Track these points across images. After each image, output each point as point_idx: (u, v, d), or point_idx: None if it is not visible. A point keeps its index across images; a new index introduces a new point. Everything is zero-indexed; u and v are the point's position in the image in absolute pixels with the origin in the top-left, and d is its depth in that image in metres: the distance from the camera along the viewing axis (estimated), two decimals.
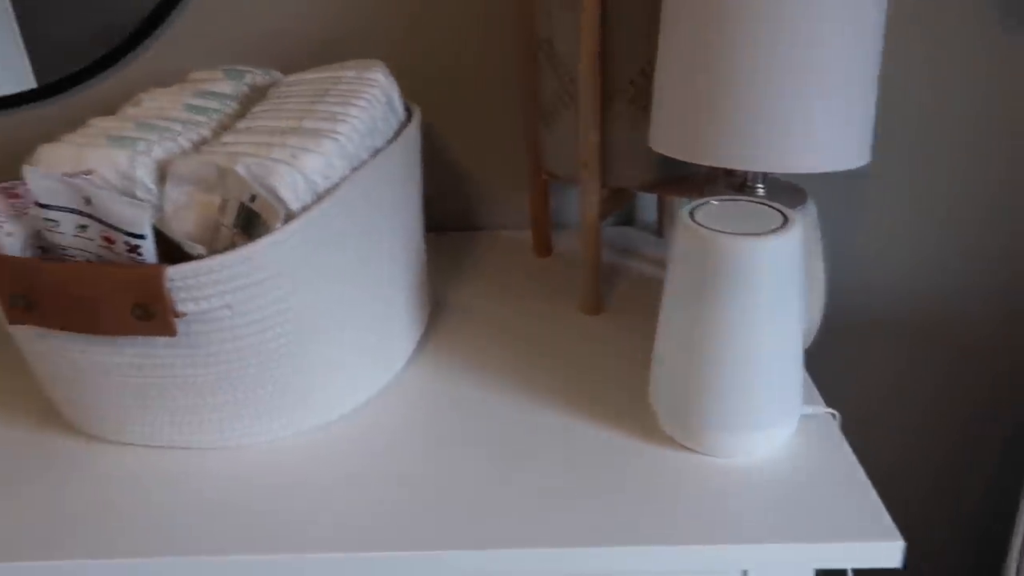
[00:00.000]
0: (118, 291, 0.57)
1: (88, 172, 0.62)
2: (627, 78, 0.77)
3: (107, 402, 0.65)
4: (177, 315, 0.58)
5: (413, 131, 0.79)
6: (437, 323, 0.85)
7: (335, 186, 0.66)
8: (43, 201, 0.57)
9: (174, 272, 0.57)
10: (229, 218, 0.63)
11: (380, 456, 0.66)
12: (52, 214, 0.57)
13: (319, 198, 0.64)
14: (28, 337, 0.64)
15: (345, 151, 0.67)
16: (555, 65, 0.80)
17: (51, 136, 1.04)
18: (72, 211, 0.57)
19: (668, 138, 0.67)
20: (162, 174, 0.66)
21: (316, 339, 0.65)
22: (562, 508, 0.60)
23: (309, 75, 0.80)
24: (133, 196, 0.65)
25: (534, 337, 0.82)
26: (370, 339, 0.71)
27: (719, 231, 0.58)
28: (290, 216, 0.61)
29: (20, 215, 0.60)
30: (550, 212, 0.97)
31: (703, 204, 0.63)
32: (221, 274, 0.58)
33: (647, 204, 1.06)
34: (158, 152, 0.67)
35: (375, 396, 0.73)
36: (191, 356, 0.62)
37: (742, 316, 0.58)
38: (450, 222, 1.07)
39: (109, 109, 1.00)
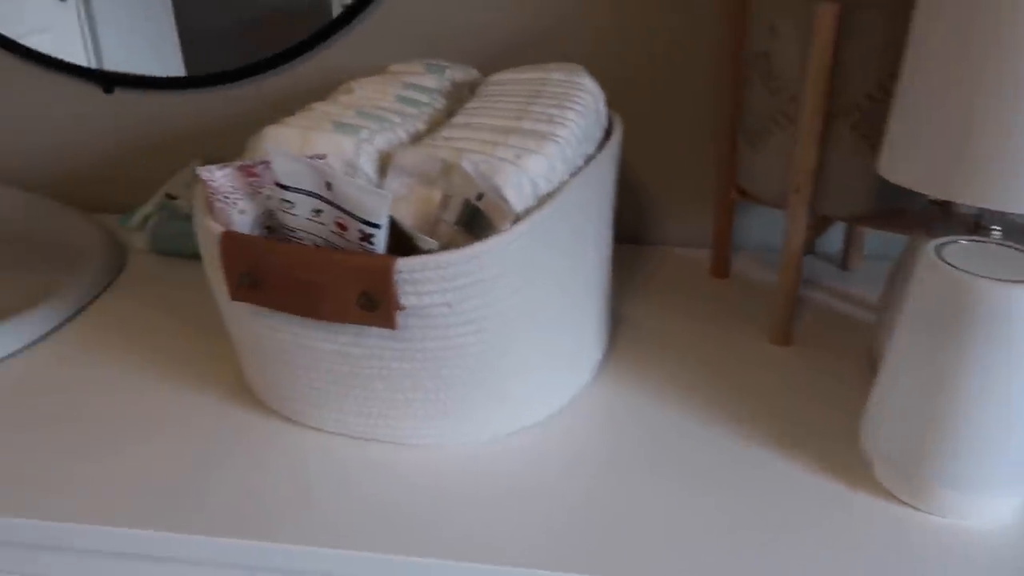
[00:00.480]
0: (346, 279, 0.57)
1: (321, 156, 0.62)
2: (853, 101, 0.73)
3: (307, 386, 0.65)
4: (399, 308, 0.58)
5: (617, 140, 0.77)
6: (617, 337, 0.83)
7: (556, 190, 0.64)
8: (285, 183, 0.57)
9: (403, 264, 0.56)
10: (451, 214, 0.62)
11: (565, 469, 0.64)
12: (291, 195, 0.57)
13: (539, 201, 0.63)
14: (241, 312, 0.64)
15: (564, 155, 0.66)
16: (770, 81, 0.76)
17: (246, 116, 1.09)
18: (311, 194, 0.57)
19: (907, 167, 0.63)
20: (382, 164, 0.66)
21: (519, 341, 0.64)
22: (755, 545, 0.57)
23: (515, 74, 0.79)
24: None
25: (719, 363, 0.79)
26: (566, 346, 0.70)
27: (978, 275, 0.54)
28: (516, 217, 0.60)
29: (255, 193, 0.61)
30: (732, 232, 0.94)
31: (949, 243, 0.59)
32: (447, 271, 0.57)
33: (831, 233, 1.02)
34: (380, 142, 0.66)
35: (565, 405, 0.71)
36: (401, 350, 0.61)
37: (999, 367, 0.54)
38: (621, 234, 1.05)
39: (302, 95, 1.02)
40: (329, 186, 0.56)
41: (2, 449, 0.67)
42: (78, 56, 1.03)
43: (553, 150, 0.65)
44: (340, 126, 0.66)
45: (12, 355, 0.79)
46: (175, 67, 1.02)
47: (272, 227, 0.63)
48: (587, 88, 0.76)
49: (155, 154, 1.09)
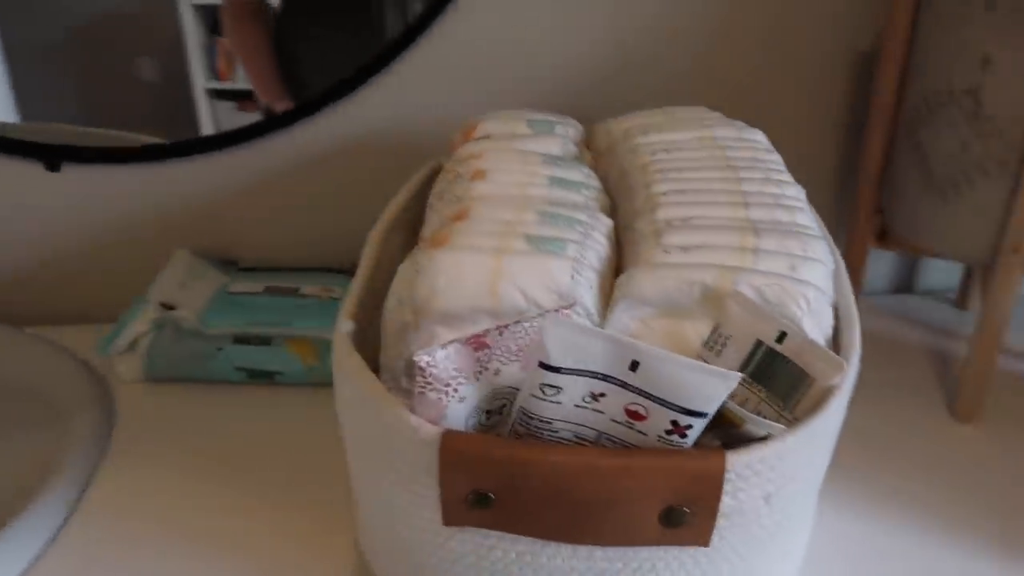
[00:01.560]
0: (650, 490, 0.39)
1: (567, 306, 0.43)
2: None
3: None
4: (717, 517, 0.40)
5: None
6: None
7: (844, 307, 0.48)
8: (559, 363, 0.38)
9: (737, 462, 0.39)
10: (732, 360, 0.45)
11: None
12: (562, 379, 0.39)
13: (835, 328, 0.47)
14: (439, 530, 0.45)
15: (826, 252, 0.50)
16: (979, 123, 0.63)
17: (229, 188, 0.85)
18: (597, 376, 0.38)
19: None
20: (602, 291, 0.48)
21: (807, 510, 0.48)
22: None
23: (665, 134, 0.62)
24: None
25: (904, 444, 0.66)
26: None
27: None
28: (842, 367, 0.43)
29: (480, 371, 0.41)
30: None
31: None
32: (779, 459, 0.41)
33: (934, 265, 0.91)
34: (592, 259, 0.48)
35: None
36: (687, 560, 0.44)
37: None
38: None
39: (303, 162, 0.80)
40: (635, 366, 0.38)
41: None
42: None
43: (820, 250, 0.49)
44: (534, 241, 0.47)
45: None
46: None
47: (492, 411, 0.44)
48: (767, 147, 0.61)
49: (120, 243, 0.84)
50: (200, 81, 0.78)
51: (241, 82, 0.78)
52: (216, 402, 0.72)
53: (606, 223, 0.52)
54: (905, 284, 0.92)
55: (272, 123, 0.79)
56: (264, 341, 0.73)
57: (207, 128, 0.79)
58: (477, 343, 0.40)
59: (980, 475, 0.64)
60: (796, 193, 0.55)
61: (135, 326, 0.73)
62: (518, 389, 0.42)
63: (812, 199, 0.56)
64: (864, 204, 0.76)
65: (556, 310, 0.41)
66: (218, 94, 0.78)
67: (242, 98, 0.79)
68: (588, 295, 0.47)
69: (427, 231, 0.52)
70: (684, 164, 0.57)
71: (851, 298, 0.49)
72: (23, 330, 0.77)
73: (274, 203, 0.83)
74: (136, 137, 0.79)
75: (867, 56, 0.81)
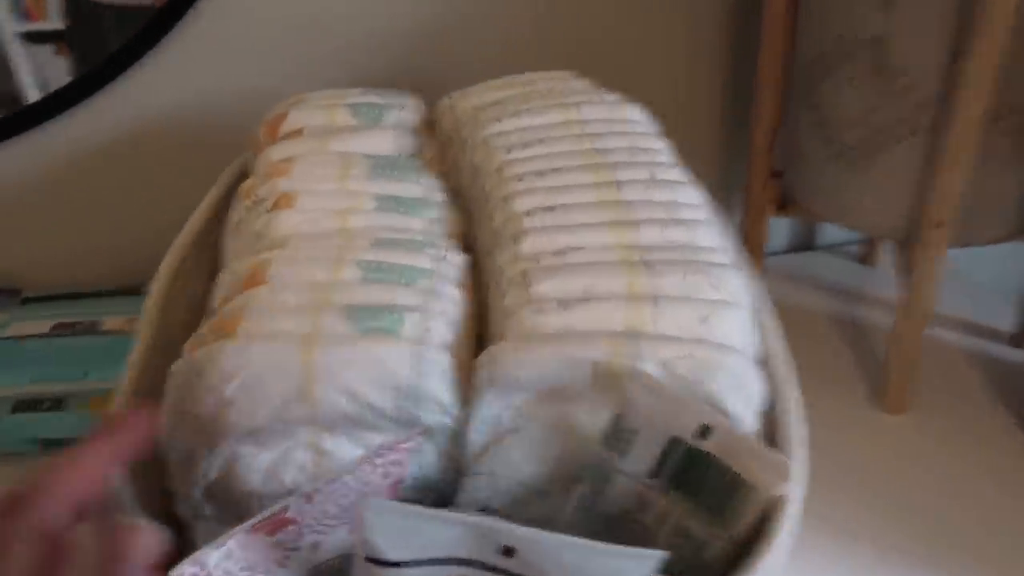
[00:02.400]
0: None
1: (397, 447, 0.30)
2: (1012, 102, 0.52)
3: None
4: None
5: None
6: None
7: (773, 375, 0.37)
8: (396, 557, 0.25)
9: None
10: (638, 463, 0.33)
11: None
12: (405, 573, 0.26)
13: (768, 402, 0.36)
14: None
15: (739, 282, 0.39)
16: (886, 79, 0.53)
17: None
18: (451, 562, 0.26)
19: None
20: (459, 371, 0.35)
21: None
22: None
23: (520, 120, 0.49)
24: (411, 421, 0.34)
25: (831, 443, 0.58)
26: None
27: None
28: (784, 468, 0.32)
29: (287, 555, 0.28)
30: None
31: None
32: None
33: None
34: (442, 331, 0.35)
35: None
36: None
37: None
38: None
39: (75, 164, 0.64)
40: (510, 551, 0.26)
41: None
42: None
43: (733, 285, 0.38)
44: (357, 315, 0.34)
45: None
46: None
47: None
48: (647, 129, 0.49)
49: None
50: (9, 25, 0.60)
51: (57, 20, 0.60)
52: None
53: (456, 264, 0.40)
54: (804, 241, 0.83)
55: (29, 113, 0.62)
56: (55, 404, 0.58)
57: (28, 81, 0.61)
58: (273, 524, 0.27)
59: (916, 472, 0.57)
60: (691, 196, 0.43)
61: None
62: (352, 554, 0.30)
63: (698, 172, 0.45)
64: (758, 172, 0.66)
65: (381, 459, 0.28)
66: (31, 37, 0.60)
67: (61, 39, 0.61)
68: (440, 385, 0.34)
69: (215, 296, 0.38)
70: (547, 165, 0.45)
71: (781, 347, 0.38)
72: None
73: (53, 210, 0.67)
74: None
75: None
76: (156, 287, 0.44)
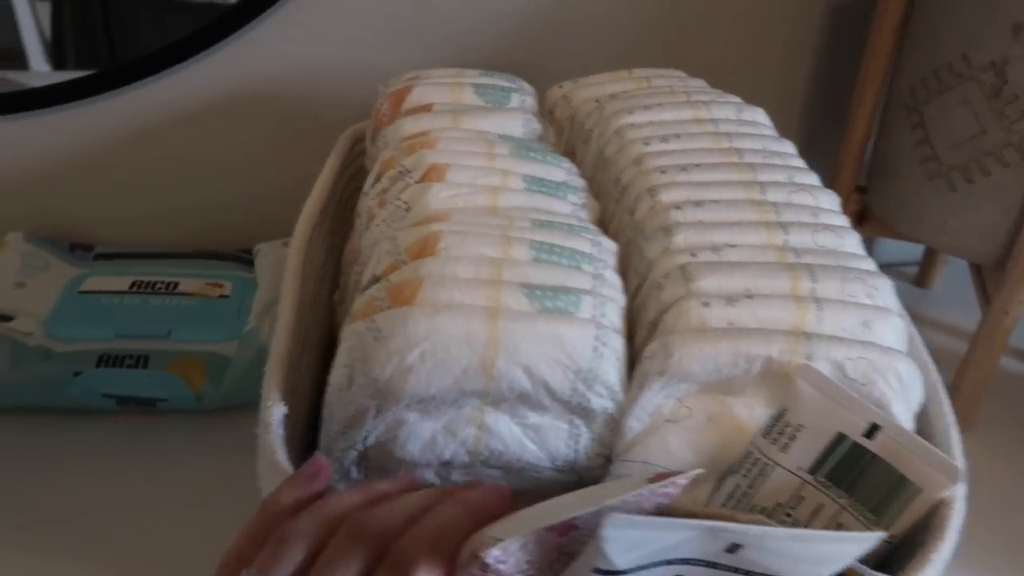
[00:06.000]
0: None
1: (676, 483, 0.29)
2: None
3: None
4: None
5: None
6: None
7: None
8: (621, 567, 0.26)
9: None
10: (801, 458, 0.34)
11: None
12: None
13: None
14: None
15: (891, 291, 0.40)
16: (1000, 102, 0.54)
17: (67, 152, 0.64)
18: (673, 563, 0.27)
19: None
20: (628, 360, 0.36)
21: None
22: None
23: (648, 115, 0.50)
24: (579, 404, 0.35)
25: None
26: None
27: None
28: (955, 471, 0.33)
29: (556, 560, 0.28)
30: None
31: None
32: None
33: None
34: (612, 314, 0.36)
35: None
36: None
37: None
38: None
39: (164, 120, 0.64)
40: (735, 548, 0.26)
41: None
42: None
43: (887, 294, 0.38)
44: (535, 293, 0.34)
45: None
46: None
47: None
48: (774, 133, 0.50)
49: None
50: None
51: None
52: (68, 440, 0.56)
53: (610, 250, 0.40)
54: None
55: (134, 69, 0.62)
56: (139, 362, 0.57)
57: (30, 35, 0.60)
58: (565, 527, 0.27)
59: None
60: (831, 203, 0.44)
61: None
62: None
63: None
64: (843, 185, 0.67)
65: (663, 489, 0.27)
66: None
67: None
68: (612, 370, 0.35)
69: (375, 264, 0.38)
70: (687, 160, 0.45)
71: (928, 360, 0.39)
72: None
73: (136, 169, 0.66)
74: None
75: (845, 12, 0.70)
76: (294, 255, 0.44)
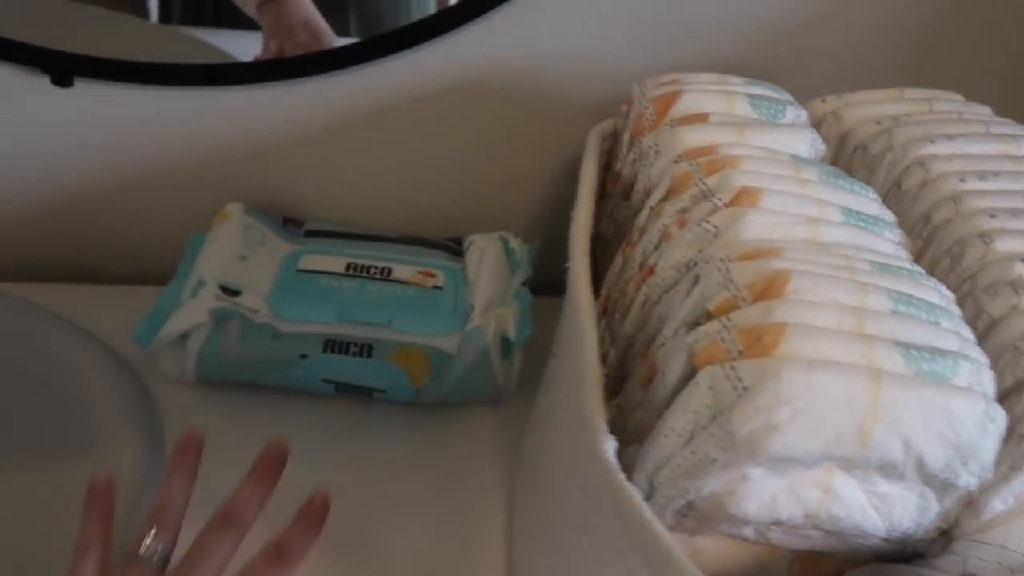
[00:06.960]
0: None
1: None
2: None
3: None
4: None
5: None
6: None
7: None
8: None
9: None
10: None
11: None
12: None
13: None
14: None
15: None
16: None
17: (283, 127, 0.61)
18: None
19: None
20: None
21: None
22: None
23: (952, 146, 0.46)
24: (944, 481, 0.32)
25: None
26: None
27: None
28: None
29: None
30: None
31: None
32: None
33: None
34: (987, 381, 0.33)
35: None
36: None
37: None
38: None
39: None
40: None
41: None
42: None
43: None
44: (910, 353, 0.31)
45: None
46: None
47: None
48: None
49: (149, 185, 0.65)
50: None
51: None
52: (290, 421, 0.56)
53: (953, 301, 0.37)
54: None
55: (369, 48, 0.60)
56: (363, 350, 0.56)
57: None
58: None
59: None
60: None
61: (187, 314, 0.55)
62: None
63: None
64: None
65: None
66: None
67: None
68: (993, 450, 0.32)
69: (701, 298, 0.35)
70: (1013, 203, 0.41)
71: None
72: (46, 311, 0.58)
73: (354, 147, 0.65)
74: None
75: None
76: (577, 268, 0.42)
